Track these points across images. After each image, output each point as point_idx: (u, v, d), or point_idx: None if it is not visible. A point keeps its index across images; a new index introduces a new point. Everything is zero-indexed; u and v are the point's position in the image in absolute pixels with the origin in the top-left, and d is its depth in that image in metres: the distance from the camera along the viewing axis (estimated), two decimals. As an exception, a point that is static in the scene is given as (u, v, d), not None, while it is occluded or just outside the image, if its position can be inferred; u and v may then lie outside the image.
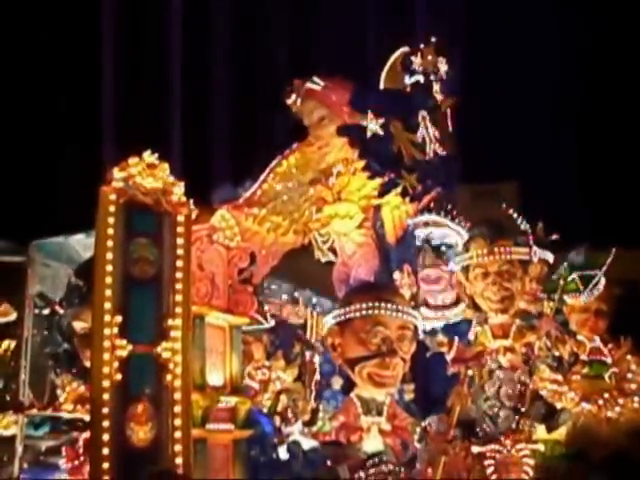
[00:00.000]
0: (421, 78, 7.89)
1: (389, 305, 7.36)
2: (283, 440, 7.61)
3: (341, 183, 7.73)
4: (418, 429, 7.61)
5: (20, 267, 8.41)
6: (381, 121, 7.46)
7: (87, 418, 6.64)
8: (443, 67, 8.11)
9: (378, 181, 7.60)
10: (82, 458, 6.89)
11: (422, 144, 7.71)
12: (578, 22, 12.77)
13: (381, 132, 7.45)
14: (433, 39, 8.10)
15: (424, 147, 7.72)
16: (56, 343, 7.78)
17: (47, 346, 8.02)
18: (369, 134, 7.47)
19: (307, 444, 7.52)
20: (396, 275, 7.91)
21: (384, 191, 7.65)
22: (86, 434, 6.81)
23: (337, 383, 7.79)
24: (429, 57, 8.07)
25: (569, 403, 8.01)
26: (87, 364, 6.90)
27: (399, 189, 7.58)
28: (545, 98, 12.78)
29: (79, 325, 7.33)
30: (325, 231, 8.05)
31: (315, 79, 7.91)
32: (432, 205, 8.59)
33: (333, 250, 8.19)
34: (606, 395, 8.13)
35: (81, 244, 8.23)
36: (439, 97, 8.02)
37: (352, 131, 7.60)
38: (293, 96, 8.03)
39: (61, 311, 7.89)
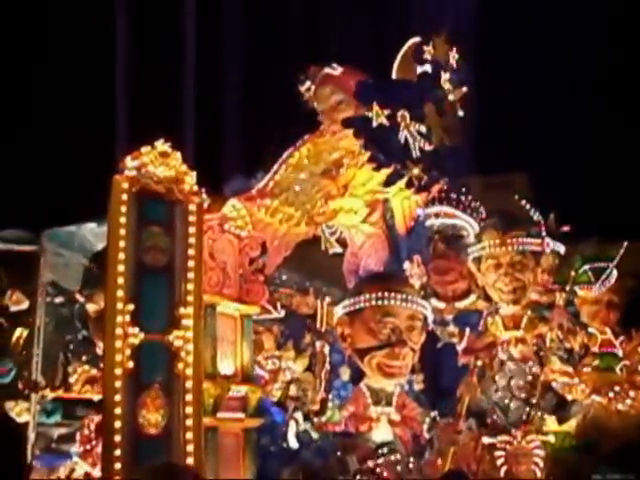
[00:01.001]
0: (429, 68, 7.86)
1: (399, 295, 7.36)
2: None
3: (347, 176, 7.70)
4: (427, 419, 7.62)
5: (32, 256, 8.44)
6: (387, 112, 7.43)
7: (96, 398, 6.68)
8: (454, 57, 8.08)
9: (383, 176, 7.57)
10: (94, 442, 6.94)
11: (428, 134, 7.69)
12: (593, 13, 12.69)
13: (387, 123, 7.42)
14: (445, 29, 8.08)
15: (430, 138, 7.70)
16: (75, 330, 7.82)
17: (66, 333, 8.07)
18: (374, 125, 7.43)
19: (314, 433, 7.53)
20: (406, 265, 7.91)
21: (389, 182, 7.62)
22: (98, 418, 6.86)
23: (345, 373, 7.79)
24: (440, 47, 8.03)
25: (580, 395, 8.01)
26: (100, 349, 6.96)
27: (404, 180, 7.56)
28: (558, 90, 12.72)
29: (92, 307, 7.37)
30: (333, 222, 8.04)
31: (333, 65, 7.89)
32: (443, 196, 8.58)
33: (341, 242, 8.18)
34: (617, 388, 8.12)
35: (93, 233, 8.25)
36: (449, 87, 7.99)
37: (357, 122, 7.56)
38: (307, 82, 7.99)
39: (81, 299, 7.93)
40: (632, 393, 8.05)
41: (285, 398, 8.03)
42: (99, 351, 7.13)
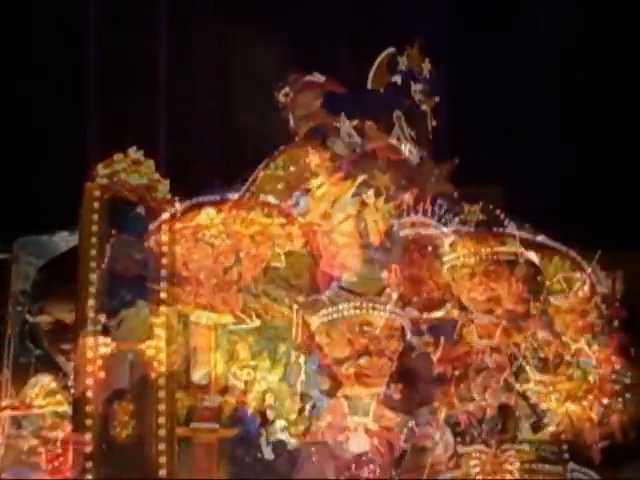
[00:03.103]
0: (399, 79, 7.92)
1: (376, 305, 7.37)
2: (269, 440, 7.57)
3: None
4: (405, 429, 7.60)
5: (4, 265, 8.32)
6: (355, 122, 7.47)
7: (60, 409, 6.61)
8: (427, 68, 8.15)
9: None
10: (62, 458, 6.82)
11: (397, 145, 7.72)
12: (565, 24, 12.85)
13: (354, 133, 7.45)
14: (419, 39, 8.16)
15: (399, 148, 7.73)
16: (29, 351, 7.66)
17: (22, 357, 7.91)
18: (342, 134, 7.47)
19: (290, 444, 7.49)
20: (384, 275, 7.91)
21: (357, 192, 7.64)
22: (64, 433, 6.75)
23: (324, 383, 7.74)
24: (414, 58, 8.11)
25: (554, 404, 8.05)
26: (59, 361, 6.86)
27: (372, 190, 7.58)
28: (531, 102, 12.84)
29: (45, 319, 7.24)
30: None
31: (316, 74, 7.91)
32: (418, 206, 8.60)
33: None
34: (590, 396, 8.17)
35: (65, 241, 8.17)
36: (420, 97, 8.04)
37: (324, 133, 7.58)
38: (287, 89, 7.97)
39: (31, 319, 7.75)
40: (605, 401, 8.11)
41: (267, 409, 7.97)
42: (58, 359, 7.01)
